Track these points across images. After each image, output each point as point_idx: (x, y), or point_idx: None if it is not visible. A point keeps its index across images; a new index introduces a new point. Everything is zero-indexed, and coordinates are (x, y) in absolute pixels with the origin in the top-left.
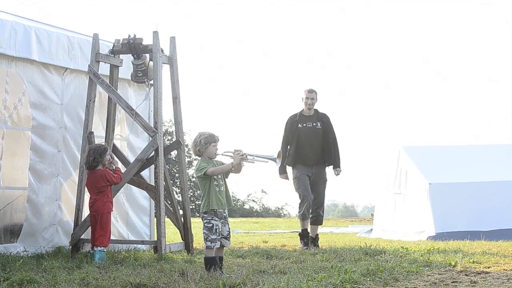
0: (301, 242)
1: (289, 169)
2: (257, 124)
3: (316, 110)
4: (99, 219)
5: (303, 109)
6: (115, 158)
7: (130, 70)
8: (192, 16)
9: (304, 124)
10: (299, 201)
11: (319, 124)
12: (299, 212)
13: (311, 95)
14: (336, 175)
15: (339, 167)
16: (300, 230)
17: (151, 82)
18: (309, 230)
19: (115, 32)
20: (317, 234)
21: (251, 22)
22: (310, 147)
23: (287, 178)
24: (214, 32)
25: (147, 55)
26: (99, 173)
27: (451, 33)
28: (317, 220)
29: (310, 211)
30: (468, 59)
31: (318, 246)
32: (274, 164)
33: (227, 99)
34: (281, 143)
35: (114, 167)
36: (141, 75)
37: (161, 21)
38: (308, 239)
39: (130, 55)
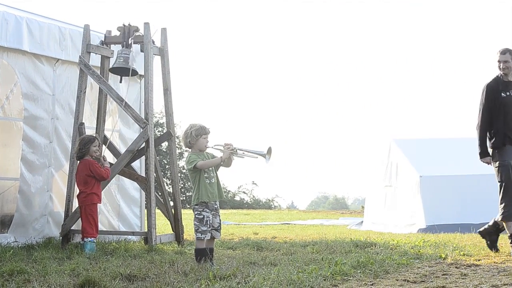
0: None
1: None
2: (249, 118)
3: None
4: (83, 211)
5: (500, 74)
6: (106, 160)
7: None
8: (184, 7)
9: (508, 93)
10: (501, 195)
11: None
12: (503, 209)
13: (503, 57)
14: None
15: None
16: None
17: (131, 67)
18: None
19: (106, 23)
20: None
21: (241, 13)
22: None
23: (490, 162)
24: (206, 23)
25: (133, 49)
26: (84, 162)
27: (440, 27)
28: None
29: None
30: (458, 52)
31: None
32: (263, 160)
33: (219, 91)
34: (479, 120)
35: (103, 166)
36: (122, 61)
37: (154, 13)
38: None
39: (120, 46)
